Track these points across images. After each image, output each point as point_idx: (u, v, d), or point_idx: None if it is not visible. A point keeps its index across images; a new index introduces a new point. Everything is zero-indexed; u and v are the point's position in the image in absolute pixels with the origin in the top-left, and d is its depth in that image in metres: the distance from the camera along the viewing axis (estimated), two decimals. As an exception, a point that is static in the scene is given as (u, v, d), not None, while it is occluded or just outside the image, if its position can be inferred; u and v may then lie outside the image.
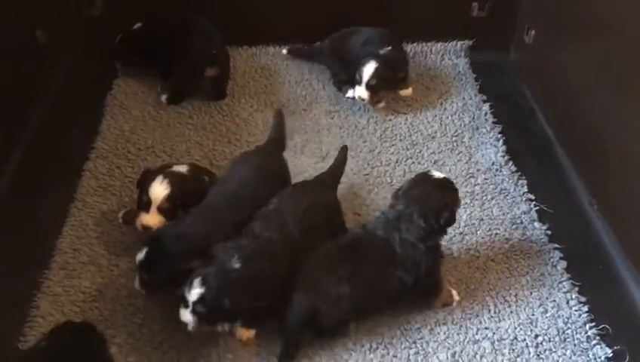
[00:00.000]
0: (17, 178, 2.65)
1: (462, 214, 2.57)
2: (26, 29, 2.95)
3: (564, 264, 2.40)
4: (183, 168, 2.38)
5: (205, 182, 2.36)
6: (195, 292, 1.92)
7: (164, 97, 3.04)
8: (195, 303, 1.93)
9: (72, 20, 3.21)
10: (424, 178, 2.18)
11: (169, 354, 2.08)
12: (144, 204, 2.27)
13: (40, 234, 2.45)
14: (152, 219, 2.26)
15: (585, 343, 2.17)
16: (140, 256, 2.08)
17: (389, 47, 2.95)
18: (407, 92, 3.10)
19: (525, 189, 2.69)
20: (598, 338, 2.18)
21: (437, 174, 2.18)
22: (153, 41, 3.09)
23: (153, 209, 2.26)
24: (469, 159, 2.83)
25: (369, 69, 2.88)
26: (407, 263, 2.09)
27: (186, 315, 1.96)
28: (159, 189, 2.25)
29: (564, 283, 2.34)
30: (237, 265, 1.97)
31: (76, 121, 2.94)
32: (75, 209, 2.53)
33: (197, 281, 1.93)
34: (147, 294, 2.14)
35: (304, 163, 2.76)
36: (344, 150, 2.53)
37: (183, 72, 3.01)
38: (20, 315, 2.17)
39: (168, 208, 2.26)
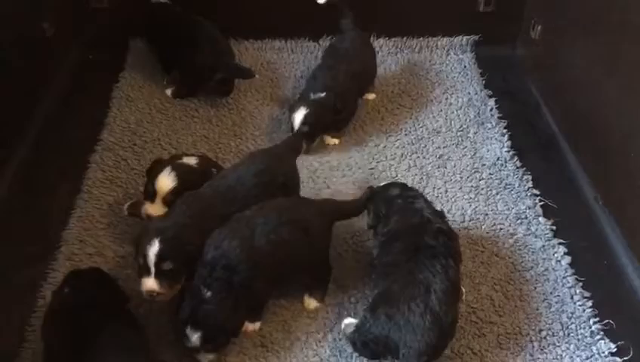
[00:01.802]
0: (24, 169, 2.67)
1: (466, 209, 2.58)
2: (34, 21, 2.96)
3: (568, 259, 2.41)
4: (192, 160, 2.39)
5: (213, 175, 2.37)
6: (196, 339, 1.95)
7: (169, 91, 3.05)
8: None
9: (79, 13, 3.22)
10: (386, 184, 2.37)
11: (175, 344, 2.08)
12: (150, 194, 2.30)
13: (46, 225, 2.47)
14: (156, 209, 2.29)
15: (588, 338, 2.17)
16: (154, 248, 2.01)
17: (323, 94, 2.75)
18: (334, 141, 2.87)
19: (530, 184, 2.69)
20: (601, 333, 2.18)
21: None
22: (161, 25, 3.09)
23: (158, 200, 2.28)
24: (474, 154, 2.83)
25: (299, 116, 2.72)
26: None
27: None
28: (166, 181, 2.27)
29: (569, 278, 2.35)
30: (208, 294, 1.96)
31: (83, 113, 2.96)
32: (81, 200, 2.55)
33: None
34: (166, 290, 2.06)
35: (309, 157, 2.77)
36: (369, 194, 2.37)
37: (192, 75, 3.00)
38: (27, 305, 2.19)
39: (173, 200, 2.26)
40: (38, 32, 3.00)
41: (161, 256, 2.02)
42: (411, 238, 2.08)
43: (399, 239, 2.10)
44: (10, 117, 2.68)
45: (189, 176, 2.31)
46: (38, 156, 2.74)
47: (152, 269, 2.03)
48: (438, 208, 2.28)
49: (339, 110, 2.80)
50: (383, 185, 2.37)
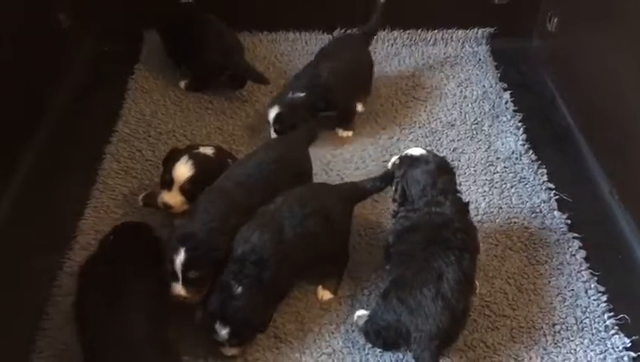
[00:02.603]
0: (40, 160, 2.69)
1: (480, 202, 2.57)
2: (50, 13, 2.98)
3: (583, 253, 2.39)
4: (209, 150, 2.40)
5: (229, 166, 2.38)
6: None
7: (182, 83, 3.07)
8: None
9: (94, 4, 3.23)
10: (420, 158, 2.22)
11: (190, 335, 2.10)
12: (167, 183, 2.30)
13: (62, 215, 2.49)
14: (173, 198, 2.30)
15: (603, 332, 2.17)
16: (180, 257, 2.01)
17: (302, 94, 2.68)
18: (347, 133, 2.85)
19: (545, 178, 2.67)
20: (616, 327, 2.17)
21: (418, 150, 2.27)
22: (172, 20, 3.10)
23: (175, 188, 2.29)
24: (489, 147, 2.81)
25: (272, 114, 2.67)
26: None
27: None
28: (183, 170, 2.28)
29: (583, 272, 2.33)
30: (239, 290, 1.98)
31: (98, 105, 2.98)
32: (96, 191, 2.57)
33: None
34: (193, 296, 2.06)
35: (322, 149, 2.77)
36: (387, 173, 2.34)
37: (202, 71, 3.01)
38: (43, 294, 2.22)
39: (190, 189, 2.28)
40: (54, 24, 3.02)
41: (187, 266, 2.02)
42: (430, 231, 2.07)
43: (418, 231, 2.09)
44: (25, 108, 2.70)
45: (206, 165, 2.32)
46: (53, 147, 2.76)
47: (179, 276, 2.03)
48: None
49: (322, 109, 2.73)
50: (415, 158, 2.24)
